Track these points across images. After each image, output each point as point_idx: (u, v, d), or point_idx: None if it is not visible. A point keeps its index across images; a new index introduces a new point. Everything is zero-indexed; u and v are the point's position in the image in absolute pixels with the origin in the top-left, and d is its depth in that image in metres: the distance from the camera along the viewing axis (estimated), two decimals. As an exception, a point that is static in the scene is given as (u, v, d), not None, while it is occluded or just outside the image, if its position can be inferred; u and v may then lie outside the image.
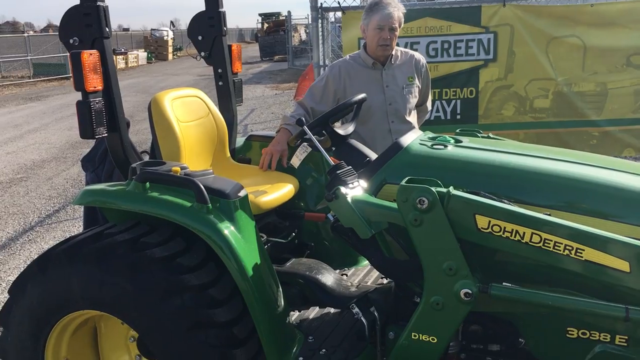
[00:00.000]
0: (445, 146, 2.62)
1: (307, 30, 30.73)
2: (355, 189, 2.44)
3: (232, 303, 2.50)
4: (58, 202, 7.61)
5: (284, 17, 34.90)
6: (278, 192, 3.10)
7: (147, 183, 2.57)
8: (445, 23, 5.68)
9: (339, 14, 5.99)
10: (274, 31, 34.60)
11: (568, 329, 2.22)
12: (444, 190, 2.16)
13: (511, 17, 5.64)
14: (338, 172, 2.45)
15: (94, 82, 2.59)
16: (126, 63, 29.40)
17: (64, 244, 2.64)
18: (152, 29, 40.41)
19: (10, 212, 7.21)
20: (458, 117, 5.85)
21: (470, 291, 2.14)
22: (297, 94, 7.47)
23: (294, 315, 2.89)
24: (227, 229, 2.47)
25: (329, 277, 3.07)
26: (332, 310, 2.95)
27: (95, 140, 3.26)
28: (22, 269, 5.38)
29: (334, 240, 3.49)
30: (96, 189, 2.73)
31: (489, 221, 2.11)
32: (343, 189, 2.37)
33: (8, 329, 2.73)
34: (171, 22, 46.77)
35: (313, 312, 2.94)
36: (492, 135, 3.12)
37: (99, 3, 2.58)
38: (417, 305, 2.58)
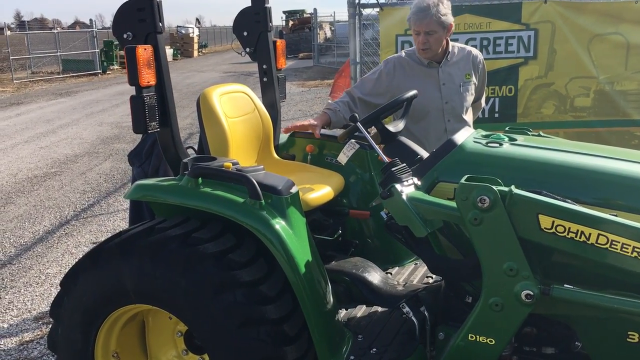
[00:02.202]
0: (501, 144, 2.58)
1: (333, 28, 30.73)
2: (410, 187, 2.40)
3: (283, 300, 2.49)
4: (92, 196, 7.70)
5: (308, 15, 34.91)
6: (325, 189, 3.08)
7: (200, 178, 2.57)
8: (484, 20, 5.60)
9: (366, 11, 5.92)
10: (298, 28, 34.64)
11: (629, 333, 2.16)
12: (505, 189, 2.12)
13: (552, 13, 5.54)
14: (393, 169, 2.42)
15: (148, 77, 2.59)
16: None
17: (116, 237, 2.64)
18: (177, 26, 40.77)
19: (46, 206, 7.30)
20: (496, 115, 5.77)
21: (531, 293, 2.10)
22: (333, 91, 7.45)
23: (342, 313, 2.87)
24: (280, 225, 2.46)
25: (375, 276, 3.05)
26: (379, 308, 2.93)
27: (142, 135, 3.28)
28: (60, 261, 5.50)
29: (378, 238, 3.46)
30: (148, 183, 2.73)
31: (553, 221, 2.06)
32: (398, 187, 2.34)
33: (59, 321, 2.75)
34: (196, 19, 47.10)
35: (360, 310, 2.92)
36: (542, 134, 3.07)
37: None
38: (469, 305, 2.57)
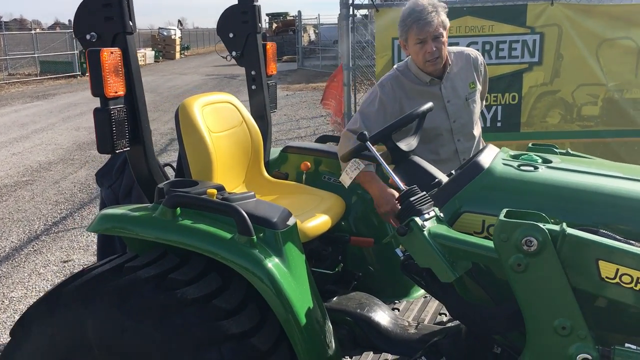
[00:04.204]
0: (536, 167, 2.18)
1: (317, 31, 30.34)
2: (432, 220, 1.99)
3: (278, 355, 2.07)
4: (65, 207, 7.20)
5: (291, 17, 34.45)
6: (325, 215, 2.67)
7: (178, 208, 2.14)
8: (487, 22, 5.22)
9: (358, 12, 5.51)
10: (282, 31, 34.23)
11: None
12: (556, 228, 1.72)
13: (559, 16, 5.19)
14: (411, 198, 2.00)
15: (115, 86, 2.16)
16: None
17: (77, 278, 2.21)
18: (159, 28, 40.12)
19: (14, 219, 6.79)
20: (499, 124, 5.40)
21: (589, 357, 1.70)
22: (324, 98, 7.06)
23: (345, 363, 2.46)
24: (275, 266, 2.05)
25: (383, 316, 2.64)
26: (389, 356, 2.52)
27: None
28: (27, 283, 5.01)
29: (383, 268, 3.06)
30: (115, 213, 2.29)
31: (617, 269, 1.67)
32: (419, 220, 1.93)
33: (9, 377, 2.30)
34: (179, 20, 46.53)
35: (367, 358, 2.51)
36: (571, 151, 2.67)
37: None
38: (498, 357, 2.18)
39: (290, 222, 2.17)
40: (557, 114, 5.41)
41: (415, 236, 1.92)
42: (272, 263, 2.05)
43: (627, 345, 1.73)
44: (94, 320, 2.10)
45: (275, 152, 3.30)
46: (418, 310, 2.89)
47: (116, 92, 2.17)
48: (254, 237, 2.04)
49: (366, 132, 2.25)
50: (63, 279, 2.31)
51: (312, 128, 11.29)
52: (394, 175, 2.16)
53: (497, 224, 1.77)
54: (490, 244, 1.88)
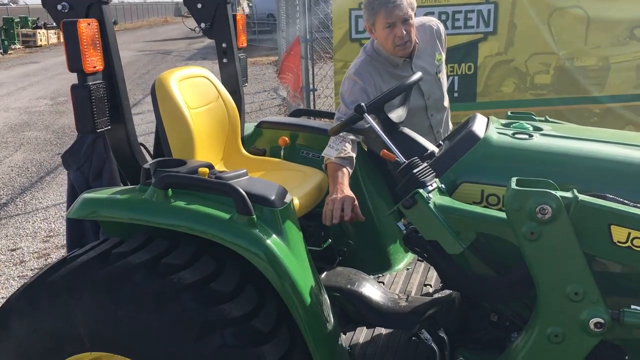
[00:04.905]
0: (530, 135, 2.18)
1: (251, 4, 29.72)
2: (435, 192, 1.97)
3: (280, 336, 2.02)
4: (5, 193, 6.83)
5: (224, -10, 33.50)
6: (312, 190, 2.60)
7: (169, 190, 2.02)
8: (443, -8, 5.22)
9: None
10: (215, 4, 33.26)
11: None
12: (568, 195, 1.72)
13: (512, -15, 5.24)
14: (414, 170, 1.96)
15: (94, 60, 2.00)
16: (58, 38, 27.69)
17: (59, 268, 2.06)
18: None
19: (-51, 208, 6.38)
20: (455, 94, 5.43)
21: (602, 320, 1.72)
22: (281, 72, 6.91)
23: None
24: (277, 245, 1.97)
25: (373, 291, 2.62)
26: (382, 330, 2.50)
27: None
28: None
29: (366, 242, 3.03)
30: (98, 197, 2.15)
31: (629, 233, 1.69)
32: (424, 193, 1.89)
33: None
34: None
35: (361, 334, 2.48)
36: (549, 119, 2.70)
37: None
38: (496, 325, 2.20)
39: (287, 199, 2.10)
40: (512, 83, 5.49)
41: (421, 209, 1.88)
42: (274, 242, 1.97)
43: (633, 307, 1.77)
44: (83, 312, 1.97)
45: (249, 127, 3.19)
46: (403, 283, 2.88)
47: (95, 67, 2.01)
48: (254, 216, 1.95)
49: (363, 104, 2.19)
50: (42, 269, 2.15)
51: (257, 104, 11.09)
52: (393, 146, 2.11)
53: (509, 193, 1.76)
54: (498, 213, 1.88)
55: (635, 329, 1.77)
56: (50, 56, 21.95)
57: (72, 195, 2.68)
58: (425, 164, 2.02)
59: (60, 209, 6.18)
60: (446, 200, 1.94)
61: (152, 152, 2.77)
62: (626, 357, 1.97)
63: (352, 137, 2.65)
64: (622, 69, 5.47)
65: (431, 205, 1.88)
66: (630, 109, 5.57)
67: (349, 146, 2.69)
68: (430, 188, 1.95)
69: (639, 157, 2.02)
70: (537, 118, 2.60)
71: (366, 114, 2.17)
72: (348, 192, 2.56)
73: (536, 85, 5.51)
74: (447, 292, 2.61)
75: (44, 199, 6.55)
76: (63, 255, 2.29)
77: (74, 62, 1.97)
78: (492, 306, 2.15)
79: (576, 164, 2.02)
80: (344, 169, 2.65)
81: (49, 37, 27.11)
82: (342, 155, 2.68)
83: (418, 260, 3.08)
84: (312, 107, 6.37)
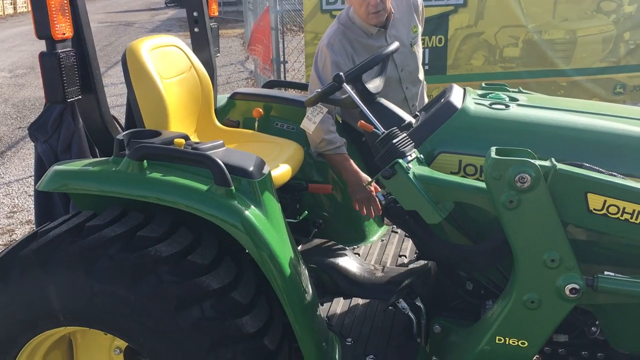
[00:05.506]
0: (507, 106, 2.19)
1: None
2: (414, 162, 1.97)
3: (258, 307, 2.01)
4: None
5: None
6: (288, 162, 2.57)
7: (145, 161, 1.97)
8: (414, -37, 5.18)
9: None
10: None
11: (660, 316, 1.91)
12: (547, 163, 1.74)
13: (483, -43, 5.24)
14: (394, 141, 1.96)
15: (63, 27, 1.93)
16: (14, 8, 26.76)
17: (30, 242, 2.01)
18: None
19: None
20: (426, 67, 5.43)
21: (577, 286, 1.76)
22: (251, 43, 6.79)
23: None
24: (255, 217, 1.95)
25: (349, 262, 2.63)
26: (359, 301, 2.52)
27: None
28: None
29: (341, 214, 3.03)
30: (70, 169, 2.09)
31: (605, 201, 1.73)
32: (403, 163, 1.89)
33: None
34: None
35: (338, 305, 2.49)
36: (522, 90, 2.72)
37: None
38: (471, 293, 2.23)
39: (265, 170, 2.07)
40: (481, 56, 5.53)
41: (401, 179, 1.88)
42: (252, 213, 1.95)
43: (606, 273, 1.81)
44: (57, 286, 1.93)
45: (222, 99, 3.13)
46: (378, 254, 2.90)
47: (64, 34, 1.94)
48: (232, 187, 1.92)
49: (342, 74, 2.16)
50: (11, 244, 2.09)
51: (225, 77, 10.93)
52: (373, 117, 2.09)
53: (489, 162, 1.77)
54: (477, 183, 1.89)
55: (607, 295, 1.81)
56: (6, 27, 21.21)
57: (40, 168, 2.61)
58: (404, 135, 2.01)
59: (24, 184, 6.03)
60: (425, 170, 1.95)
61: (123, 124, 2.70)
62: (596, 322, 2.03)
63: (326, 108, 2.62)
64: (588, 42, 5.56)
65: (410, 176, 1.88)
66: (595, 82, 5.68)
67: (334, 128, 2.76)
68: (409, 158, 1.95)
69: (613, 127, 2.05)
70: (511, 89, 2.63)
71: (345, 83, 2.15)
72: (368, 179, 2.74)
73: (505, 59, 5.57)
74: (421, 262, 2.63)
75: (5, 174, 6.38)
76: (32, 230, 2.23)
77: (42, 28, 1.89)
78: (469, 275, 2.18)
79: (553, 133, 2.04)
80: (347, 155, 2.79)
81: (4, 7, 26.17)
82: (338, 144, 2.76)
83: (392, 231, 3.10)
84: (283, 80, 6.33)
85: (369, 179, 2.74)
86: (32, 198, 3.09)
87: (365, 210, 2.75)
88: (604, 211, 1.73)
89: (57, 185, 2.07)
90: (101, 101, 2.14)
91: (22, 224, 5.10)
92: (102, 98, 2.15)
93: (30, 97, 9.40)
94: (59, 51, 1.94)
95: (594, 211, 1.74)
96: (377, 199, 2.65)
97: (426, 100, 3.21)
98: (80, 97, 2.05)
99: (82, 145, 2.58)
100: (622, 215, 1.72)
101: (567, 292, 1.77)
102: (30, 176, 5.86)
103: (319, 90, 2.41)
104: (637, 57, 5.72)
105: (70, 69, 1.97)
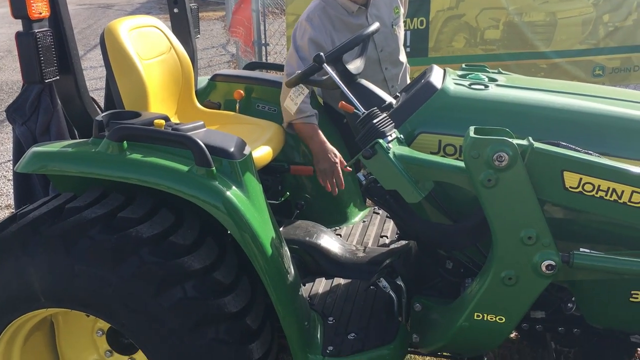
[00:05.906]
0: (486, 86, 2.22)
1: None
2: (394, 142, 1.98)
3: (241, 287, 2.03)
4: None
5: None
6: (269, 144, 2.58)
7: (125, 142, 1.97)
8: (394, -55, 5.15)
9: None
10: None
11: (633, 292, 1.95)
12: (524, 142, 1.77)
13: (464, -62, 5.23)
14: (374, 121, 1.97)
15: (39, 6, 1.90)
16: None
17: (10, 224, 2.00)
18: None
19: None
20: (408, 49, 5.41)
21: (553, 263, 1.80)
22: (232, 25, 6.72)
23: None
24: (237, 197, 1.96)
25: (331, 242, 2.65)
26: (341, 281, 2.54)
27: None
28: None
29: (323, 196, 3.04)
30: (49, 151, 2.07)
31: (580, 179, 1.76)
32: (383, 143, 1.91)
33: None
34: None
35: (320, 285, 2.52)
36: (502, 71, 2.74)
37: None
38: (451, 272, 2.26)
39: (246, 151, 2.08)
40: (462, 39, 5.54)
41: (381, 159, 1.90)
42: (234, 194, 1.96)
43: (581, 249, 1.85)
44: (38, 268, 1.93)
45: (202, 81, 3.12)
46: (360, 235, 2.92)
47: (41, 14, 1.92)
48: (213, 168, 1.93)
49: (322, 54, 2.16)
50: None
51: (206, 60, 10.82)
52: (353, 97, 2.10)
53: (467, 142, 1.79)
54: (456, 162, 1.92)
55: (583, 271, 1.85)
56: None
57: (19, 151, 2.59)
58: (385, 115, 2.02)
59: (2, 168, 5.95)
60: (405, 150, 1.97)
61: (102, 106, 2.68)
62: (572, 298, 2.08)
63: (308, 89, 2.62)
64: (568, 24, 5.59)
65: (391, 155, 1.90)
66: (575, 64, 5.72)
67: (308, 100, 2.71)
68: (389, 138, 1.97)
69: (590, 107, 2.08)
70: (490, 70, 2.65)
71: (325, 64, 2.15)
72: (334, 152, 2.74)
73: (486, 41, 5.58)
74: (403, 242, 2.66)
75: (-16, 158, 6.30)
76: (12, 212, 2.22)
77: (18, 7, 1.87)
78: (448, 254, 2.21)
79: (531, 113, 2.07)
80: (316, 126, 2.76)
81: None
82: (308, 113, 2.73)
83: (374, 213, 3.13)
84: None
85: (335, 151, 2.75)
86: (12, 182, 3.07)
87: (329, 184, 2.73)
88: (580, 189, 1.77)
89: (36, 166, 2.06)
90: (79, 82, 2.12)
91: (1, 209, 5.05)
92: (80, 79, 2.13)
93: (8, 81, 9.25)
94: (36, 31, 1.92)
95: (569, 189, 1.77)
96: (340, 172, 2.70)
97: (408, 82, 3.22)
98: (58, 77, 2.03)
99: (60, 127, 2.56)
100: (597, 193, 1.76)
101: (544, 269, 1.81)
102: (9, 160, 5.78)
103: (298, 68, 2.41)
104: (616, 39, 5.77)
105: (47, 49, 1.95)
